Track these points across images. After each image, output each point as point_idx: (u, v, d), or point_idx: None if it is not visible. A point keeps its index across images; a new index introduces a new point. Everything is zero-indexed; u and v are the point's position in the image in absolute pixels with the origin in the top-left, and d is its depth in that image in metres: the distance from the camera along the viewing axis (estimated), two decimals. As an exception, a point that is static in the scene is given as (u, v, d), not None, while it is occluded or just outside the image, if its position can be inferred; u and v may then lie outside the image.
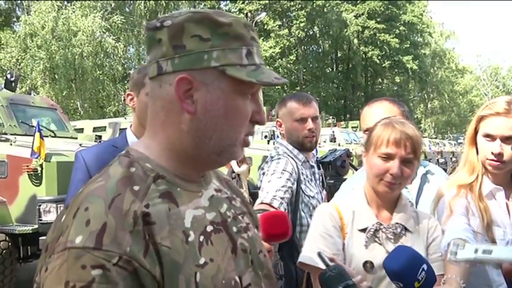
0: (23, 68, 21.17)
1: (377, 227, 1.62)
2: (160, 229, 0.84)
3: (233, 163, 7.53)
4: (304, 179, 2.49)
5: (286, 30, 35.24)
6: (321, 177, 2.76)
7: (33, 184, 4.97)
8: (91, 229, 0.79)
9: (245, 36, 0.93)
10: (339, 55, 41.95)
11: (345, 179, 3.05)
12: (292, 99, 2.57)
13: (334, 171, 3.14)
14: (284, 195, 2.27)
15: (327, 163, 3.09)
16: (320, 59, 39.59)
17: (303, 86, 36.09)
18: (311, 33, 37.93)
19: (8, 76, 6.86)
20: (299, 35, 35.56)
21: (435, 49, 50.89)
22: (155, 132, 0.96)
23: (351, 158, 13.12)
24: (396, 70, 41.72)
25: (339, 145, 14.97)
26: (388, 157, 1.59)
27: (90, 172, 2.04)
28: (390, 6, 38.42)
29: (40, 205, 4.86)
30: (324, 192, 2.75)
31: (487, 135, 1.79)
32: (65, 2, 23.06)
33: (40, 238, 4.87)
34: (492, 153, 1.77)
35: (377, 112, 2.08)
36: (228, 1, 36.32)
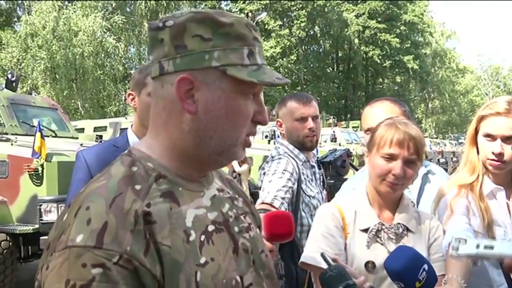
0: (24, 68, 21.19)
1: (379, 227, 1.62)
2: (161, 228, 0.85)
3: (235, 162, 7.53)
4: (305, 179, 2.49)
5: (287, 30, 35.24)
6: (321, 177, 2.76)
7: (34, 184, 4.97)
8: (92, 228, 0.79)
9: (247, 36, 0.93)
10: (340, 55, 41.93)
11: (345, 179, 3.04)
12: (292, 98, 2.57)
13: (334, 171, 3.13)
14: (285, 195, 2.27)
15: (327, 163, 3.09)
16: (321, 59, 39.58)
17: (304, 86, 36.08)
18: (311, 33, 37.92)
19: (9, 76, 6.86)
20: (299, 35, 35.57)
21: (436, 48, 50.84)
22: (157, 131, 0.97)
23: (352, 158, 13.14)
24: (397, 70, 41.69)
25: (339, 145, 14.98)
26: (391, 158, 1.59)
27: (91, 171, 2.04)
28: (391, 5, 38.40)
29: (41, 205, 4.86)
30: (324, 192, 2.74)
31: (488, 135, 1.79)
32: (66, 2, 23.09)
33: (41, 238, 4.87)
34: (492, 153, 1.77)
35: (378, 112, 2.08)
36: (229, 1, 36.35)
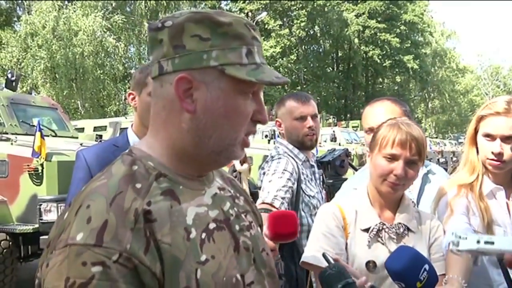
0: (24, 67, 21.17)
1: (380, 227, 1.62)
2: (161, 226, 0.85)
3: (236, 161, 7.52)
4: (305, 178, 2.49)
5: (287, 30, 35.23)
6: (321, 177, 2.76)
7: (33, 183, 4.97)
8: (92, 226, 0.80)
9: (245, 36, 0.93)
10: (339, 54, 41.92)
11: (344, 179, 3.05)
12: (291, 98, 2.58)
13: (333, 170, 3.14)
14: (285, 195, 2.27)
15: (326, 162, 3.09)
16: (320, 59, 39.57)
17: (304, 86, 36.07)
18: (311, 32, 37.90)
19: (9, 75, 6.86)
20: (299, 35, 35.56)
21: (436, 48, 50.82)
22: (157, 131, 0.97)
23: (351, 158, 13.13)
24: (397, 70, 41.68)
25: (339, 144, 14.97)
26: (392, 158, 1.59)
27: (91, 171, 2.05)
28: (391, 5, 38.38)
29: (40, 205, 4.86)
30: (323, 191, 2.75)
31: (487, 135, 1.79)
32: (66, 2, 23.06)
33: (41, 237, 4.87)
34: (492, 152, 1.77)
35: (379, 111, 2.08)
36: (228, 1, 36.33)
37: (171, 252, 0.84)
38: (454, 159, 22.12)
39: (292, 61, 36.24)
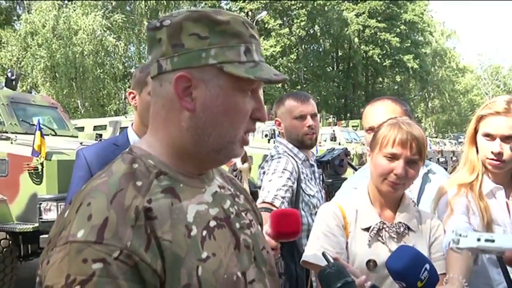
0: (24, 66, 21.17)
1: (380, 226, 1.62)
2: (162, 224, 0.85)
3: (237, 159, 7.53)
4: (304, 178, 2.49)
5: (287, 29, 35.23)
6: (321, 176, 2.76)
7: (33, 182, 4.97)
8: (92, 223, 0.80)
9: (243, 34, 0.94)
10: (339, 54, 41.92)
11: (343, 178, 3.05)
12: (290, 97, 2.58)
13: (332, 170, 3.14)
14: (285, 194, 2.27)
15: (325, 162, 3.09)
16: (320, 58, 39.56)
17: (304, 85, 36.08)
18: (311, 32, 37.90)
19: (9, 74, 6.86)
20: (299, 34, 35.56)
21: (436, 48, 50.81)
22: (157, 129, 0.98)
23: (351, 157, 13.14)
24: (397, 69, 41.69)
25: (339, 144, 14.99)
26: (393, 157, 1.59)
27: (91, 169, 2.05)
28: (391, 5, 38.38)
29: (40, 204, 4.86)
30: (323, 191, 2.74)
31: (487, 135, 1.80)
32: (66, 1, 23.08)
33: (41, 236, 4.88)
34: (492, 152, 1.77)
35: (380, 111, 2.08)
36: (228, 0, 36.30)
37: (172, 249, 0.84)
38: (454, 158, 22.13)
39: (292, 61, 36.25)
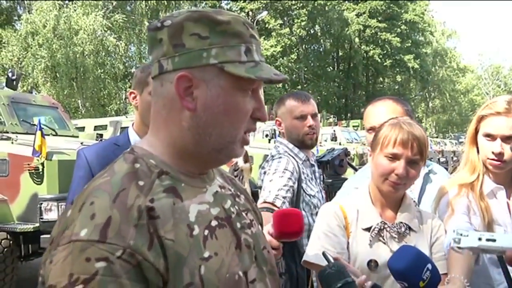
0: (25, 66, 21.17)
1: (382, 226, 1.62)
2: (164, 223, 0.86)
3: (240, 158, 7.53)
4: (305, 178, 2.49)
5: (287, 29, 35.24)
6: (321, 176, 2.76)
7: (34, 182, 4.98)
8: (96, 222, 0.80)
9: (243, 34, 0.94)
10: (340, 54, 41.91)
11: (343, 178, 3.05)
12: (291, 97, 2.58)
13: (332, 170, 3.14)
14: (286, 194, 2.27)
15: (325, 162, 3.09)
16: (321, 58, 39.56)
17: (304, 85, 36.08)
18: (312, 32, 37.91)
19: (10, 74, 6.86)
20: (300, 34, 35.56)
21: (436, 48, 50.76)
22: (158, 129, 0.98)
23: (352, 157, 13.13)
24: (398, 69, 41.69)
25: (340, 144, 14.99)
26: (394, 157, 1.59)
27: (92, 169, 2.05)
28: (391, 5, 38.37)
29: (41, 204, 4.87)
30: (323, 191, 2.74)
31: (488, 135, 1.80)
32: (67, 1, 23.07)
33: (41, 236, 4.89)
34: (492, 152, 1.77)
35: (381, 111, 2.08)
36: (229, 0, 36.30)
37: (174, 249, 0.85)
38: (455, 158, 22.11)
39: (293, 60, 36.25)
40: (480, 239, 1.30)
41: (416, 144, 1.58)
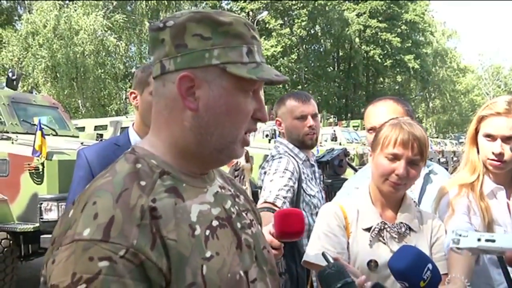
0: (25, 66, 21.17)
1: (382, 226, 1.62)
2: (166, 223, 0.86)
3: (241, 158, 7.55)
4: (305, 178, 2.49)
5: (288, 29, 35.26)
6: (321, 176, 2.77)
7: (34, 182, 4.98)
8: (98, 222, 0.80)
9: (245, 35, 0.95)
10: (340, 54, 41.93)
11: (342, 179, 3.05)
12: (291, 97, 2.58)
13: (332, 170, 3.14)
14: (287, 194, 2.28)
15: (324, 162, 3.09)
16: (321, 58, 39.58)
17: (305, 85, 36.10)
18: (312, 32, 37.93)
19: (10, 74, 6.86)
20: (300, 34, 35.58)
21: (436, 48, 50.77)
22: (159, 130, 0.98)
23: (352, 157, 13.12)
24: (398, 69, 41.70)
25: (340, 144, 14.99)
26: (394, 158, 1.59)
27: (92, 169, 2.05)
28: (392, 5, 38.39)
29: (41, 204, 4.87)
30: (323, 191, 2.74)
31: (488, 135, 1.80)
32: (67, 1, 23.08)
33: (41, 236, 4.87)
34: (493, 153, 1.77)
35: (382, 111, 2.08)
36: (229, 0, 36.31)
37: (177, 249, 0.85)
38: (455, 159, 22.11)
39: (293, 61, 36.27)
40: (479, 239, 1.29)
41: (416, 145, 1.58)
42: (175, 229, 0.86)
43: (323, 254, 1.26)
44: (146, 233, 0.82)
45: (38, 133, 4.78)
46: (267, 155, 2.72)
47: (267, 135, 13.31)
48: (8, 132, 5.68)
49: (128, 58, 27.12)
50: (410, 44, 39.41)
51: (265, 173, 2.44)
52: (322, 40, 38.86)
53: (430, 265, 1.31)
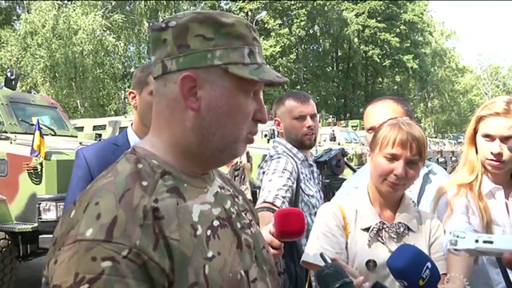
0: (24, 66, 21.15)
1: (380, 226, 1.62)
2: (169, 223, 0.86)
3: (243, 155, 7.57)
4: (304, 178, 2.49)
5: (287, 29, 35.23)
6: (319, 176, 2.77)
7: (33, 182, 4.97)
8: (101, 222, 0.80)
9: (247, 36, 0.96)
10: (339, 54, 41.93)
11: (340, 179, 3.05)
12: (290, 97, 2.58)
13: (330, 170, 3.14)
14: (286, 194, 2.28)
15: (322, 162, 3.09)
16: (320, 58, 39.58)
17: (304, 85, 36.08)
18: (311, 32, 37.92)
19: (8, 74, 6.86)
20: (299, 34, 35.57)
21: (435, 48, 50.81)
22: (160, 130, 0.98)
23: (351, 157, 13.12)
24: (397, 69, 41.70)
25: (339, 144, 15.00)
26: (393, 158, 1.59)
27: (91, 169, 2.05)
28: (390, 5, 38.38)
29: (40, 204, 4.86)
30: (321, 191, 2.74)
31: (487, 135, 1.80)
32: (66, 1, 23.05)
33: (40, 236, 4.87)
34: (491, 153, 1.77)
35: (381, 111, 2.08)
36: (228, 0, 36.28)
37: (179, 249, 0.85)
38: (454, 158, 22.15)
39: (292, 61, 36.25)
40: (477, 241, 1.29)
41: (415, 145, 1.58)
42: (178, 229, 0.86)
43: (321, 255, 1.26)
44: (149, 233, 0.82)
45: (37, 133, 4.77)
46: (266, 155, 2.72)
47: (266, 135, 13.30)
48: (6, 132, 5.67)
49: (127, 58, 27.11)
50: (409, 44, 39.40)
51: (263, 173, 2.44)
52: (321, 40, 38.86)
53: (429, 264, 1.31)
